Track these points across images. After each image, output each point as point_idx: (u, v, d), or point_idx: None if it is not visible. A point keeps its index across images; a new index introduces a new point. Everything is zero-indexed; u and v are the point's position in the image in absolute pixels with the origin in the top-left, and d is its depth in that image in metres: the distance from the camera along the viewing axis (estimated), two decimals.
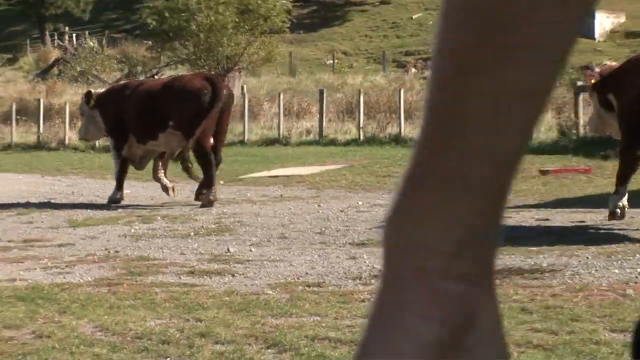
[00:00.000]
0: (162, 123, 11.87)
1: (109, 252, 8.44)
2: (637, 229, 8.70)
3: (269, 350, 4.97)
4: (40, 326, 5.55)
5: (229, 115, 12.62)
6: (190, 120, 11.49)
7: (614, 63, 11.40)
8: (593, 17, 42.13)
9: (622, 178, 9.16)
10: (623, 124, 9.10)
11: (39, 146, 25.17)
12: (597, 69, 10.91)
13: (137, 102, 12.20)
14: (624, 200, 9.09)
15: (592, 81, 9.86)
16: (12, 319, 5.74)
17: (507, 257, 7.34)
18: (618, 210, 9.07)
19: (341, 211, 10.96)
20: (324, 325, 5.40)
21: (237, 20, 31.23)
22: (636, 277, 6.43)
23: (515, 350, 4.74)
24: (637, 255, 7.25)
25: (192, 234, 9.46)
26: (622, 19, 43.52)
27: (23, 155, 23.56)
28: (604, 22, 42.67)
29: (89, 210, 11.47)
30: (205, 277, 7.05)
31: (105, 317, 5.71)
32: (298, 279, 6.84)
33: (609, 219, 9.08)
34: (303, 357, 4.78)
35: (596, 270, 6.72)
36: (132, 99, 12.31)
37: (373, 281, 6.61)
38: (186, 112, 11.52)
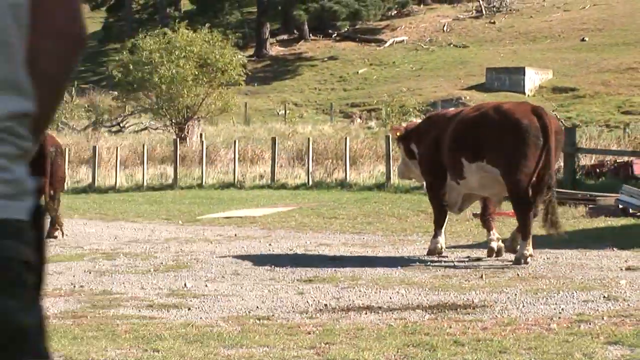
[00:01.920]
0: None
1: (75, 286, 8.36)
2: (561, 267, 8.85)
3: None
4: None
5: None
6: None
7: (417, 120, 13.25)
8: (523, 74, 42.99)
9: (438, 218, 10.08)
10: (424, 168, 10.22)
11: None
12: (404, 124, 12.50)
13: None
14: (442, 241, 9.94)
15: (397, 134, 11.00)
16: None
17: (442, 293, 7.45)
18: (439, 246, 9.87)
19: (290, 250, 10.97)
20: (272, 355, 5.41)
21: (196, 73, 31.30)
22: (560, 312, 6.51)
23: None
24: (561, 292, 7.33)
25: (152, 270, 9.40)
26: (550, 75, 44.36)
27: None
28: (533, 77, 43.39)
29: (57, 248, 11.33)
30: (163, 310, 7.02)
31: (70, 347, 5.66)
32: (249, 312, 6.84)
33: (428, 255, 9.89)
34: None
35: (523, 306, 6.79)
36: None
37: (319, 315, 6.65)
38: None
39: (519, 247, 9.14)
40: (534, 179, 9.02)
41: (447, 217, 10.36)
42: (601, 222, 13.07)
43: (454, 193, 9.94)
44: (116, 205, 19.19)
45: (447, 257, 9.91)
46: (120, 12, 60.51)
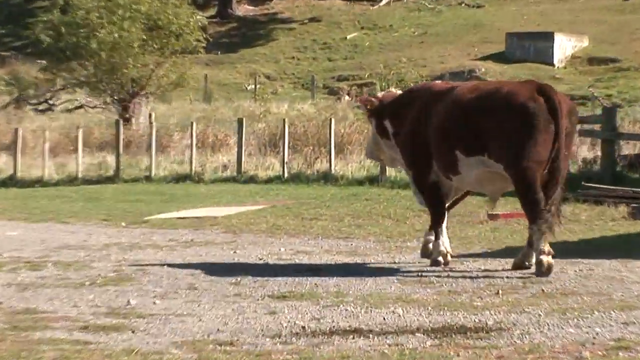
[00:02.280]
0: None
1: None
2: (596, 282, 8.83)
3: None
4: None
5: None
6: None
7: (398, 91, 12.55)
8: (552, 40, 42.94)
9: (435, 216, 10.13)
10: (405, 157, 10.30)
11: None
12: (379, 94, 11.95)
13: None
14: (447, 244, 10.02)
15: (368, 107, 10.84)
16: None
17: (448, 313, 7.45)
18: (441, 258, 9.91)
19: (260, 259, 10.96)
20: None
21: (144, 37, 31.25)
22: (594, 338, 6.48)
23: None
24: (595, 312, 7.28)
25: (87, 283, 9.37)
26: (585, 43, 44.36)
27: None
28: (564, 45, 43.46)
29: None
30: (101, 333, 7.00)
31: None
32: (208, 336, 6.84)
33: (431, 266, 9.95)
34: None
35: (549, 329, 6.74)
36: None
37: (295, 340, 6.67)
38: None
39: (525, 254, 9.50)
40: (545, 171, 9.15)
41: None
42: None
43: (444, 188, 10.07)
44: (43, 202, 19.12)
45: (454, 268, 9.94)
46: None
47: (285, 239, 12.84)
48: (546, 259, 9.05)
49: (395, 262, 10.56)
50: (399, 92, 11.86)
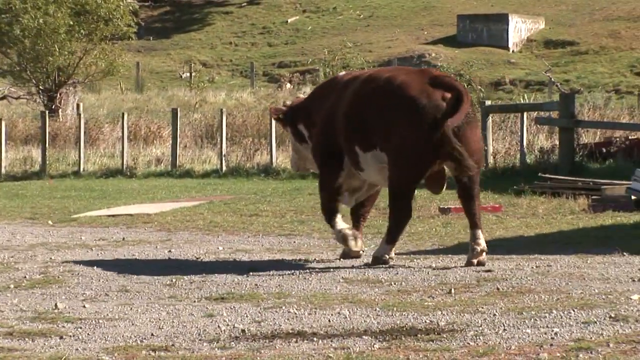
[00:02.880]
0: None
1: None
2: (554, 279, 8.85)
3: None
4: None
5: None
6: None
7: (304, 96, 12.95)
8: (506, 23, 43.24)
9: (326, 205, 10.46)
10: (313, 153, 10.47)
11: None
12: (288, 102, 12.41)
13: None
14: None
15: (280, 116, 11.03)
16: None
17: (398, 314, 7.46)
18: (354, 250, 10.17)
19: (196, 258, 10.96)
20: None
21: (71, 23, 30.97)
22: (552, 338, 6.45)
23: None
24: (554, 311, 7.25)
25: (11, 286, 9.29)
26: (541, 25, 44.62)
27: None
28: (519, 27, 43.85)
29: None
30: (26, 339, 6.93)
31: None
32: (141, 341, 6.80)
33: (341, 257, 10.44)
34: None
35: (504, 330, 6.69)
36: None
37: (234, 344, 6.66)
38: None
39: (379, 246, 9.95)
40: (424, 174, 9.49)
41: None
42: (608, 218, 13.18)
43: (357, 181, 10.27)
44: None
45: (404, 265, 9.98)
46: None
47: (224, 237, 12.85)
48: None
49: (341, 261, 10.58)
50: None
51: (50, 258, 11.12)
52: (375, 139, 9.55)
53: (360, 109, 9.66)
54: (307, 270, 9.94)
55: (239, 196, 17.20)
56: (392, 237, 9.68)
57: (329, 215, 10.28)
